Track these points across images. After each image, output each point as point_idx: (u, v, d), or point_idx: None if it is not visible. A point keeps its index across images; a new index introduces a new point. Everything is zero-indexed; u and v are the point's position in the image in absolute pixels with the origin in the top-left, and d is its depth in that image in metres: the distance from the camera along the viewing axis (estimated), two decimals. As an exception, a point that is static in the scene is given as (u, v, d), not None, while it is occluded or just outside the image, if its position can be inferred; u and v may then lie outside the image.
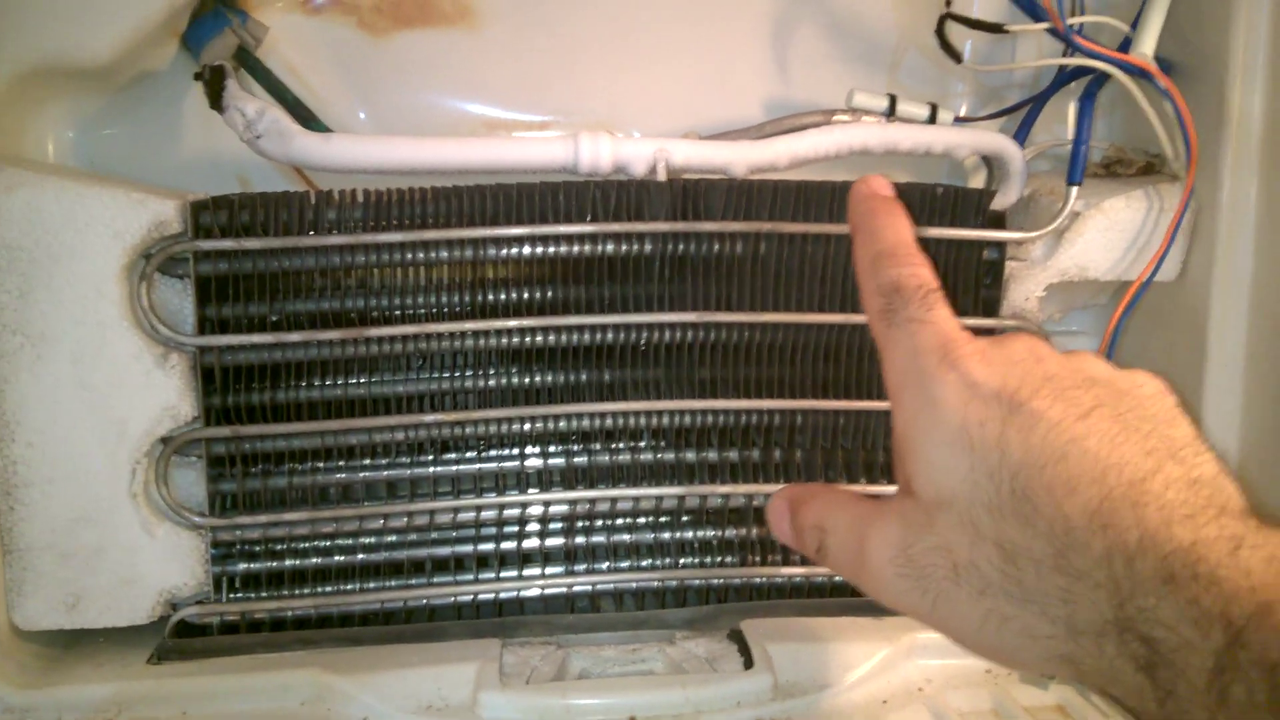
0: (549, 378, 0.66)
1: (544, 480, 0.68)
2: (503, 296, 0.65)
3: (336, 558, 0.66)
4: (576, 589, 0.67)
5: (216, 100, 0.62)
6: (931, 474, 0.35)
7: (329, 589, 0.66)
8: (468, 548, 0.67)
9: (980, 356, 0.36)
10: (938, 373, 0.36)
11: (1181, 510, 0.31)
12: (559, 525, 0.68)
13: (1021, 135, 0.73)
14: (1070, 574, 0.32)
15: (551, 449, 0.67)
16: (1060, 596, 0.32)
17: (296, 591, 0.65)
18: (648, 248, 0.65)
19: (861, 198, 0.42)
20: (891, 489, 0.57)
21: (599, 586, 0.67)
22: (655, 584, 0.68)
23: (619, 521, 0.68)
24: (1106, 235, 0.68)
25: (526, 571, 0.67)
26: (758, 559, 0.68)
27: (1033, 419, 0.34)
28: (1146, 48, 0.65)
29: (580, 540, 0.68)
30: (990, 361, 0.36)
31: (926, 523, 0.35)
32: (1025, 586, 0.33)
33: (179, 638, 0.63)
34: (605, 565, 0.68)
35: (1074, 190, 0.67)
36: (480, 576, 0.67)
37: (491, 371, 0.66)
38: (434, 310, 0.65)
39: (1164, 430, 0.34)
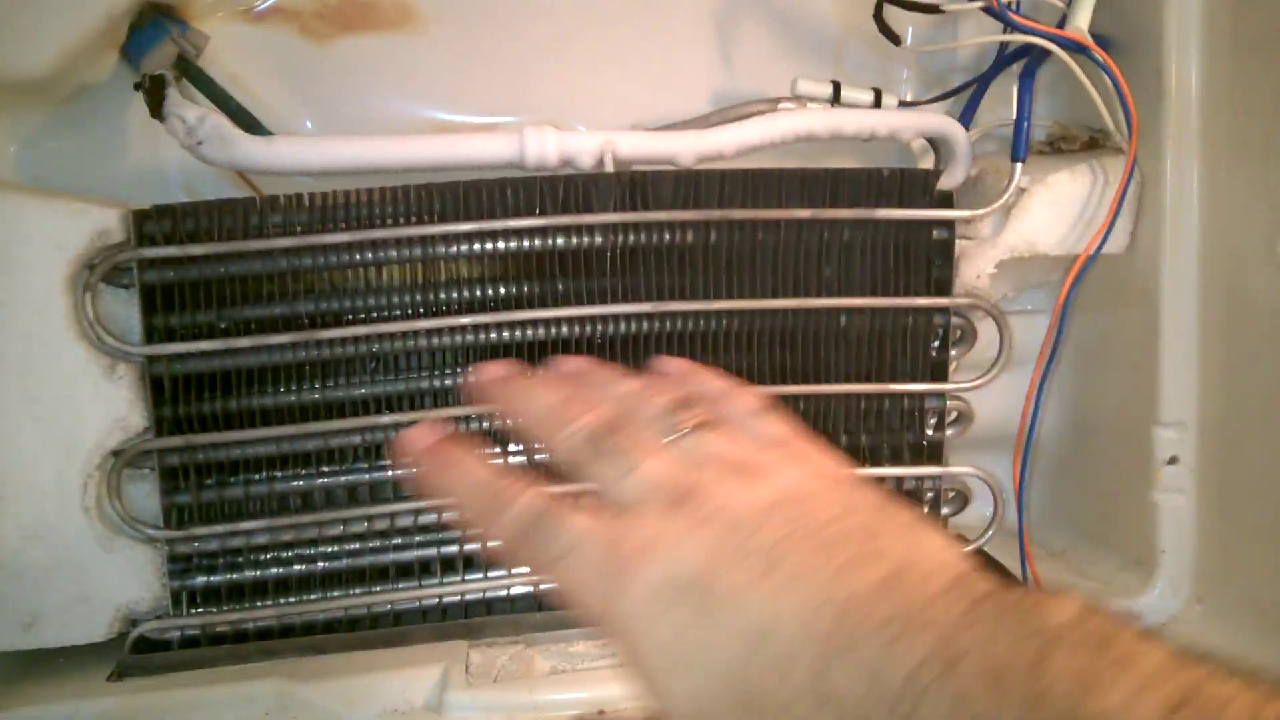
0: (505, 375, 0.66)
1: (505, 479, 0.67)
2: (454, 295, 0.65)
3: (297, 567, 0.65)
4: (544, 587, 0.67)
5: (157, 109, 0.61)
6: (685, 711, 0.30)
7: (291, 599, 0.65)
8: (431, 551, 0.66)
9: (643, 553, 0.31)
10: (619, 591, 0.31)
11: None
12: (522, 523, 0.67)
13: (967, 117, 0.74)
14: None
15: (511, 446, 0.67)
16: None
17: (258, 603, 0.64)
18: (598, 240, 0.65)
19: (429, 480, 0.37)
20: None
21: (565, 583, 0.67)
22: (621, 578, 0.67)
23: (582, 517, 0.68)
24: (1053, 209, 0.69)
25: (492, 573, 0.67)
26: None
27: (725, 603, 0.29)
28: (1081, 22, 0.66)
29: (544, 537, 0.67)
30: (653, 550, 0.31)
31: None
32: None
33: (139, 653, 0.62)
34: (570, 561, 0.67)
35: (1019, 166, 0.67)
36: (445, 580, 0.66)
37: (446, 371, 0.66)
38: (385, 311, 0.65)
39: (868, 521, 0.31)
